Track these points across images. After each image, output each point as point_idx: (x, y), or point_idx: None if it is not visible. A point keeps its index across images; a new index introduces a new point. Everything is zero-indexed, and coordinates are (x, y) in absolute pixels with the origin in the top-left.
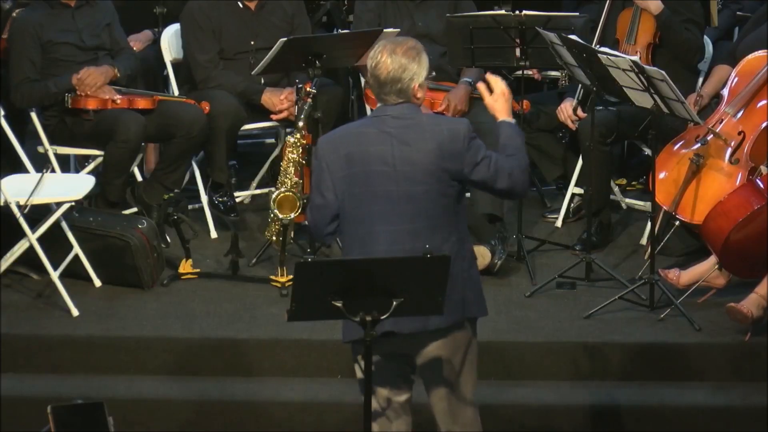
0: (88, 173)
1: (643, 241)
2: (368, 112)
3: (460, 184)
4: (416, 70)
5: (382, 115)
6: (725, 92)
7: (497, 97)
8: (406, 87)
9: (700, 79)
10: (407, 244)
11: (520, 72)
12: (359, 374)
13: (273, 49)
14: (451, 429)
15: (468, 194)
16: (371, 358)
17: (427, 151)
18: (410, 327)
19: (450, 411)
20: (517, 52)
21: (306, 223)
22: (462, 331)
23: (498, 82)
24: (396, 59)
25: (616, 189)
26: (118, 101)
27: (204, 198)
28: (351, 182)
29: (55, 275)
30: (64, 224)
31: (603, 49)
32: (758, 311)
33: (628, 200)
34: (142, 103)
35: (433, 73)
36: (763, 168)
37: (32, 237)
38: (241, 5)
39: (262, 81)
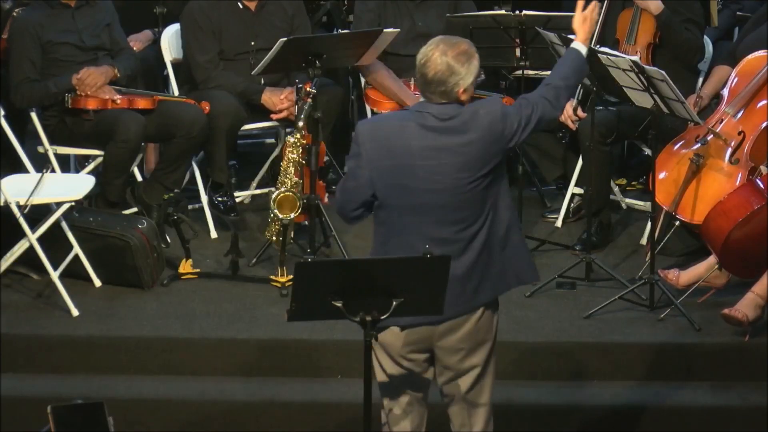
0: (88, 173)
1: (643, 241)
2: (368, 112)
3: (500, 165)
4: (463, 74)
5: (423, 111)
6: (725, 92)
7: (586, 17)
8: (450, 90)
9: (700, 79)
10: (445, 234)
11: (520, 72)
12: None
13: (273, 49)
14: (466, 427)
15: None
16: (371, 358)
17: (470, 143)
18: (429, 318)
19: (467, 406)
20: (517, 52)
21: (306, 223)
22: (483, 321)
23: (595, 9)
24: (445, 61)
25: (616, 189)
26: (118, 101)
27: (204, 198)
28: (389, 173)
29: (55, 275)
30: (64, 224)
31: (603, 49)
32: (755, 312)
33: (628, 200)
34: (142, 103)
35: (482, 77)
36: (763, 168)
37: (32, 237)
38: (241, 6)
39: (262, 81)
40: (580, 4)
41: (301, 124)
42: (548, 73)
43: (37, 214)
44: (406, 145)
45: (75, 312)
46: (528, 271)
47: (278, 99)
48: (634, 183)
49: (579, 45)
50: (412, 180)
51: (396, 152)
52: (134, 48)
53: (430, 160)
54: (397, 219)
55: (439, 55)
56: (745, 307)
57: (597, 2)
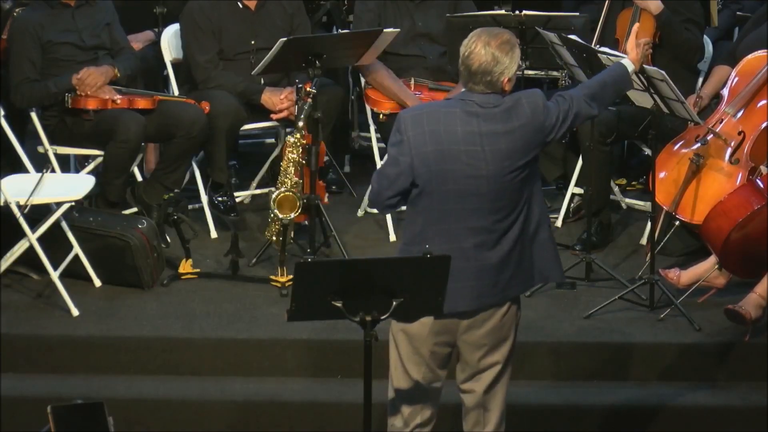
0: (88, 173)
1: (643, 241)
2: (368, 112)
3: (536, 160)
4: (508, 64)
5: (468, 99)
6: (725, 92)
7: (639, 44)
8: (495, 80)
9: (700, 79)
10: (483, 223)
11: (520, 72)
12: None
13: (273, 49)
14: (479, 426)
15: None
16: (371, 358)
17: (513, 131)
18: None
19: (483, 405)
20: None
21: (306, 223)
22: (508, 316)
23: (648, 44)
24: (489, 51)
25: (616, 189)
26: (118, 101)
27: (204, 198)
28: (433, 159)
29: (55, 275)
30: (64, 224)
31: (603, 49)
32: (757, 311)
33: (628, 200)
34: (142, 103)
35: (524, 66)
36: (763, 168)
37: (32, 237)
38: (240, 5)
39: (262, 81)
40: (634, 28)
41: (301, 124)
42: (549, 73)
43: (37, 214)
44: (452, 131)
45: (75, 312)
46: (553, 269)
47: (278, 99)
48: (634, 183)
49: (627, 62)
50: (455, 165)
51: (441, 137)
52: (134, 48)
53: (474, 145)
54: (438, 206)
55: (482, 46)
56: (748, 306)
57: (649, 39)
